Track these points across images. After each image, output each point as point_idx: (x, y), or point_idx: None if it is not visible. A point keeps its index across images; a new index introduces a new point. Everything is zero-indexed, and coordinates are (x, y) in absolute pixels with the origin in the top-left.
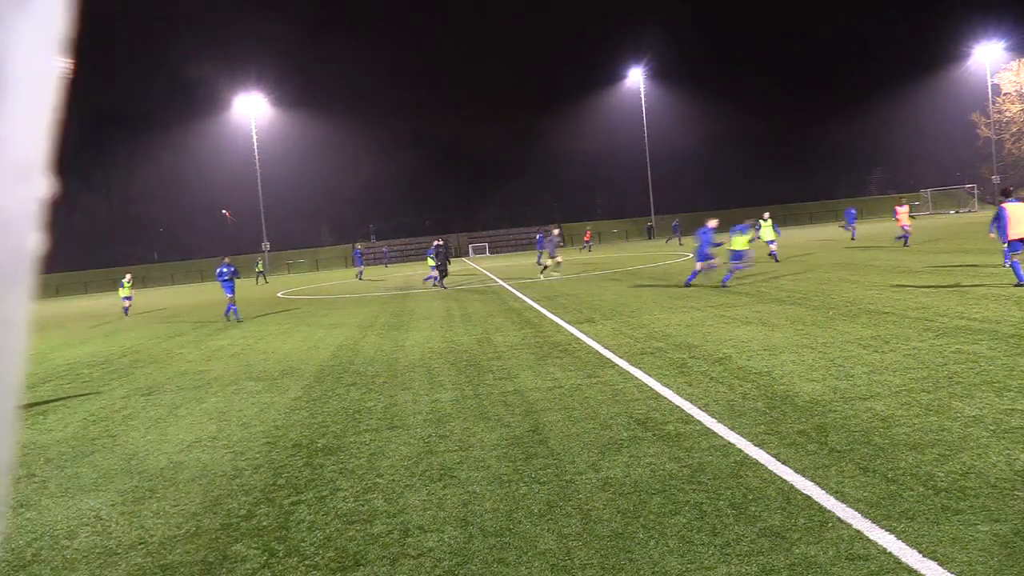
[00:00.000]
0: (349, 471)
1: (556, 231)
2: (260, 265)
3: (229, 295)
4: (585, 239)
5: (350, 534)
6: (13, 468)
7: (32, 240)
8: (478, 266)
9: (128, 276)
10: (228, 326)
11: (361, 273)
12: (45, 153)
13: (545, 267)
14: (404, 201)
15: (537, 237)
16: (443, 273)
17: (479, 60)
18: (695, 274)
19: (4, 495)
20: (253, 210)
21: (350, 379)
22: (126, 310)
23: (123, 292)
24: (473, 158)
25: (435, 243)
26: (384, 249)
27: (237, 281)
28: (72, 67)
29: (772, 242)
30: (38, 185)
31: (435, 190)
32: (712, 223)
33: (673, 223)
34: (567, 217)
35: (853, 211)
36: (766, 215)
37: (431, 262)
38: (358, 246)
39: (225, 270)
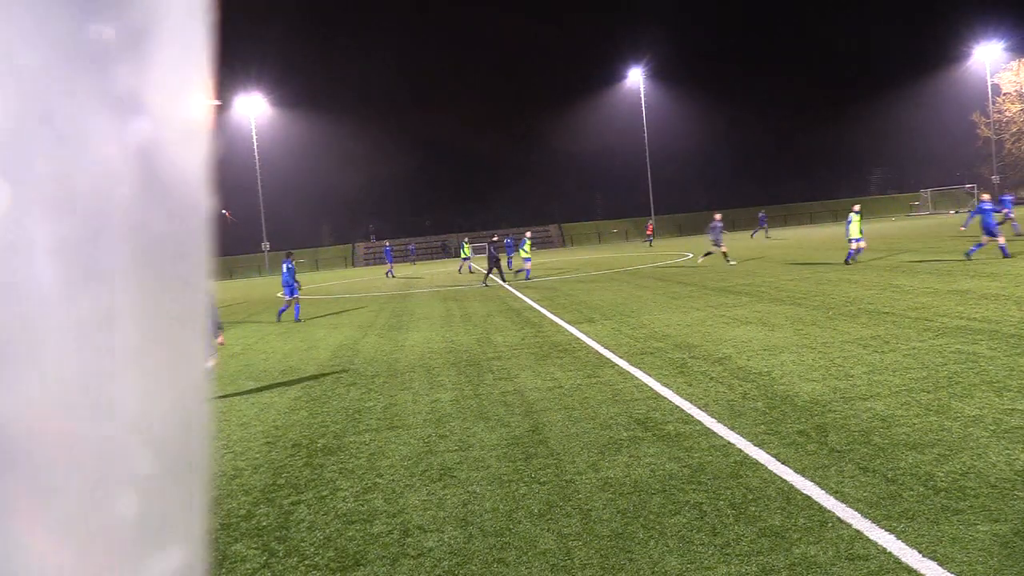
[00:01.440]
0: (349, 471)
1: (718, 216)
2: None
3: (290, 296)
4: (648, 232)
5: (350, 534)
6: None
7: (205, 202)
8: (478, 266)
9: None
10: (227, 325)
11: (391, 271)
12: (206, 112)
13: (724, 253)
14: (404, 201)
15: (506, 241)
16: (490, 268)
17: (479, 60)
18: (978, 247)
19: (207, 477)
20: (253, 210)
21: (350, 379)
22: None
23: None
24: (473, 158)
25: (489, 241)
26: (411, 246)
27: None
28: (217, 102)
29: (857, 239)
30: (204, 146)
31: (435, 190)
32: (986, 197)
33: (759, 214)
34: (567, 217)
35: (1010, 198)
36: (857, 207)
37: (525, 252)
38: (387, 243)
39: (292, 266)
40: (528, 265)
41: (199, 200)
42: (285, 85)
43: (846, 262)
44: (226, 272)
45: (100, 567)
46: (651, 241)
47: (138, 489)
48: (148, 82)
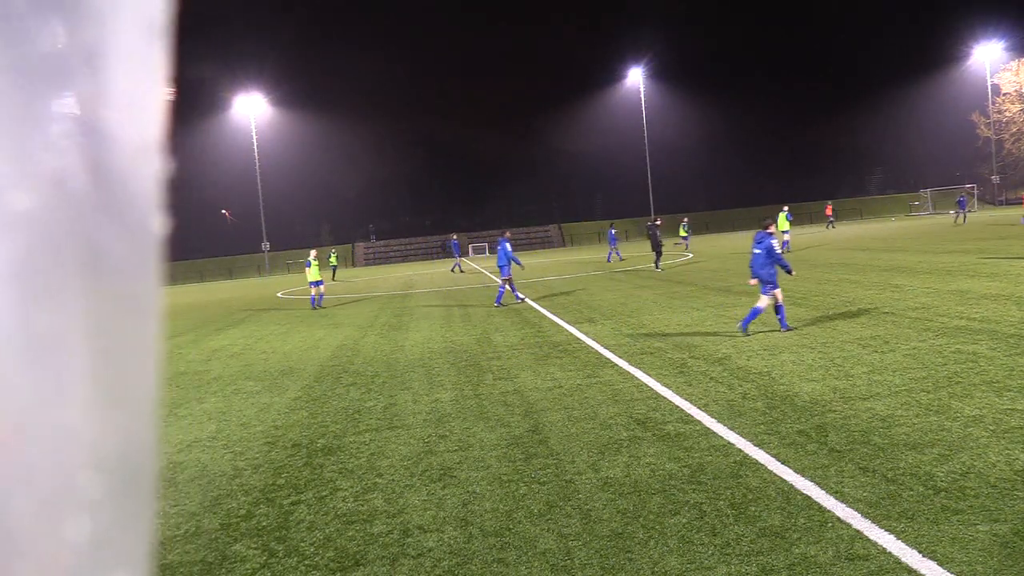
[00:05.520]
0: (349, 471)
1: None
2: (333, 259)
3: (505, 276)
4: (827, 214)
5: (350, 534)
6: (159, 472)
7: (156, 220)
8: (478, 266)
9: (314, 252)
10: (227, 325)
11: (458, 265)
12: (160, 130)
13: None
14: (404, 201)
15: (610, 233)
16: (659, 254)
17: (479, 60)
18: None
19: (153, 500)
20: (253, 210)
21: (350, 379)
22: (315, 300)
23: (312, 275)
24: (473, 158)
25: (650, 223)
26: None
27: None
28: (174, 94)
29: None
30: (157, 164)
31: (435, 190)
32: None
33: (959, 197)
34: (566, 217)
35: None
36: None
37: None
38: (454, 236)
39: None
40: (785, 237)
41: (150, 218)
42: (285, 85)
43: None
44: (225, 272)
45: None
46: (832, 223)
47: (84, 510)
48: (101, 100)
